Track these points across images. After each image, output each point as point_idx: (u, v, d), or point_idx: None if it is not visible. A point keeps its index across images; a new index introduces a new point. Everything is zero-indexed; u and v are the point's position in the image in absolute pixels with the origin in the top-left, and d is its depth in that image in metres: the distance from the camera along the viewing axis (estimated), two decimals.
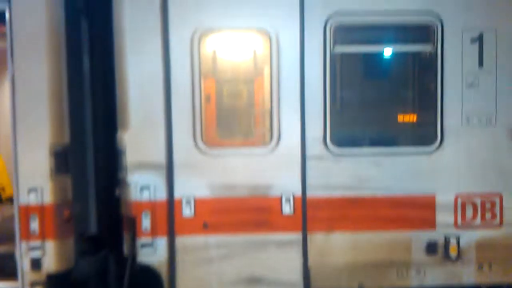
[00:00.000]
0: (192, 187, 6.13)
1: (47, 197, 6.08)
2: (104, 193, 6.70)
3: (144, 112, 6.13)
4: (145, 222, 6.11)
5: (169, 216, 6.13)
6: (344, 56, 6.48)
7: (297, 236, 6.21)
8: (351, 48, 6.43)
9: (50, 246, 6.11)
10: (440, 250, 6.32)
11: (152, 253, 6.15)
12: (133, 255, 6.19)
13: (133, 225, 6.14)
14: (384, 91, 7.01)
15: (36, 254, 6.10)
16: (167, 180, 6.12)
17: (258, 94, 6.51)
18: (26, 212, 6.05)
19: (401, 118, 6.93)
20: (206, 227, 6.17)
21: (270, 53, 6.19)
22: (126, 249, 6.29)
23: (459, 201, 6.32)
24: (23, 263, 6.11)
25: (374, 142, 6.56)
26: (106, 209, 6.64)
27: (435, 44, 6.27)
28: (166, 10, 6.07)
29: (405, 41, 6.57)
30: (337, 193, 6.23)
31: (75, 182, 6.42)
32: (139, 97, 6.13)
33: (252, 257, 6.19)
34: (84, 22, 6.88)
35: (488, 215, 6.34)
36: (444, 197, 6.30)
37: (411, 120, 6.92)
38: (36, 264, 6.11)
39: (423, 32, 6.37)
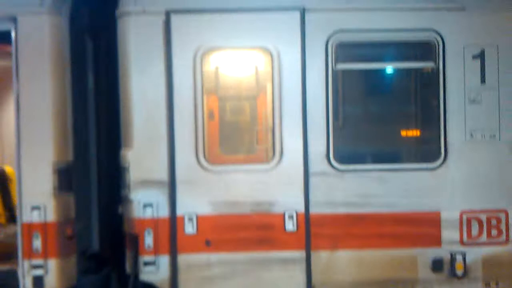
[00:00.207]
0: (194, 204, 6.12)
1: (50, 215, 6.08)
2: (106, 210, 6.71)
3: (148, 130, 6.16)
4: (148, 240, 6.09)
5: (171, 233, 6.10)
6: (346, 73, 6.51)
7: (300, 253, 6.16)
8: (353, 65, 6.46)
9: (53, 264, 6.09)
10: (446, 267, 6.24)
11: (154, 271, 6.11)
12: (136, 273, 6.15)
13: (135, 242, 6.12)
14: (387, 107, 7.01)
15: (38, 272, 6.07)
16: (169, 198, 6.11)
17: (260, 111, 6.53)
18: (29, 230, 6.04)
19: (404, 134, 6.92)
20: (208, 245, 6.13)
21: (272, 71, 6.24)
22: (128, 267, 6.26)
23: (464, 217, 6.26)
24: (25, 281, 6.09)
25: (378, 159, 6.54)
26: (109, 226, 6.62)
27: (437, 60, 6.30)
28: (169, 29, 6.15)
29: (407, 58, 6.61)
30: (341, 210, 6.20)
31: (78, 200, 6.44)
32: (142, 115, 6.17)
33: (255, 275, 6.13)
34: (89, 42, 6.98)
35: (494, 232, 6.27)
36: (449, 214, 6.24)
37: (414, 136, 6.91)
38: (38, 282, 6.08)
39: (424, 49, 6.41)
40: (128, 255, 6.27)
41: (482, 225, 6.26)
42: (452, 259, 6.23)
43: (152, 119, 6.16)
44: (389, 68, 6.68)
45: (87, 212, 6.76)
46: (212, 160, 6.23)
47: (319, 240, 6.16)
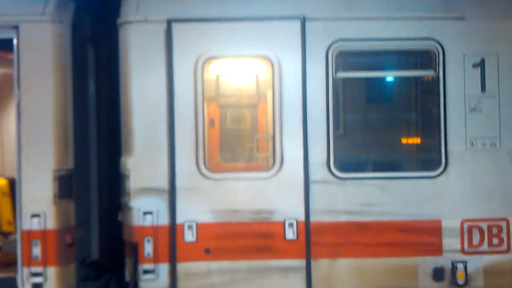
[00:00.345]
0: (194, 212, 6.11)
1: (50, 222, 6.07)
2: (106, 218, 6.70)
3: (148, 137, 6.17)
4: (148, 248, 6.07)
5: (171, 241, 6.09)
6: (346, 81, 6.53)
7: (300, 262, 6.13)
8: (353, 74, 6.47)
9: (52, 272, 6.07)
10: (447, 276, 6.20)
11: (154, 279, 6.08)
12: (135, 281, 6.12)
13: (135, 250, 6.10)
14: (387, 116, 7.03)
15: (37, 280, 6.05)
16: (169, 205, 6.10)
17: (261, 119, 6.54)
18: (29, 237, 6.03)
19: (405, 143, 6.91)
20: (208, 253, 6.11)
21: (273, 79, 6.25)
22: (128, 275, 6.24)
23: (465, 226, 6.24)
24: None
25: (378, 167, 6.53)
26: (109, 234, 6.61)
27: (437, 69, 6.31)
28: (171, 38, 6.17)
29: (407, 66, 6.62)
30: (341, 218, 6.18)
31: (78, 207, 6.42)
32: (143, 123, 6.18)
33: (255, 284, 6.10)
34: (90, 50, 7.02)
35: (495, 241, 6.24)
36: (450, 222, 6.22)
37: (415, 144, 6.91)
38: None
39: (424, 58, 6.42)
40: (128, 263, 6.25)
41: (483, 234, 6.23)
42: (453, 267, 6.20)
43: (152, 127, 6.17)
44: (390, 77, 6.69)
45: (87, 219, 6.74)
46: (213, 167, 6.23)
47: (320, 248, 6.14)
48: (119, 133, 6.36)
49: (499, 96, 6.32)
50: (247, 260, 6.09)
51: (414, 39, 6.31)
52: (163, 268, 6.09)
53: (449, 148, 6.27)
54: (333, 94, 6.28)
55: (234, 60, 6.42)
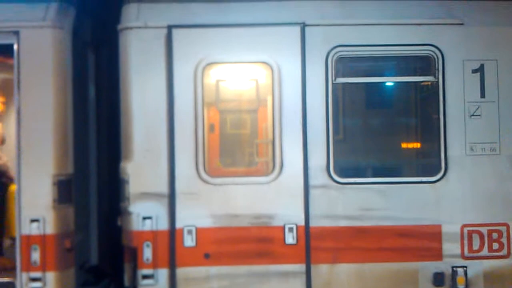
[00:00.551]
0: (194, 216, 6.10)
1: (49, 227, 6.06)
2: (106, 223, 6.68)
3: (148, 142, 6.17)
4: (147, 253, 6.05)
5: (170, 246, 6.07)
6: (346, 86, 6.54)
7: (300, 267, 6.11)
8: (352, 79, 6.49)
9: (51, 277, 6.05)
10: (448, 281, 6.18)
11: (153, 284, 6.06)
12: (134, 286, 6.10)
13: (134, 255, 6.08)
14: (387, 121, 7.03)
15: (36, 285, 6.03)
16: (169, 210, 6.09)
17: (261, 124, 6.55)
18: (28, 242, 6.01)
19: (404, 148, 6.92)
20: (207, 258, 6.09)
21: (273, 84, 6.27)
22: (127, 280, 6.22)
23: (465, 231, 6.23)
24: None
25: (378, 172, 6.53)
26: (108, 239, 6.59)
27: (437, 75, 6.32)
28: (171, 44, 6.19)
29: (407, 72, 6.64)
30: (341, 223, 6.16)
31: (77, 212, 6.41)
32: (143, 128, 6.19)
33: None
34: (91, 55, 7.04)
35: (495, 246, 6.23)
36: (450, 227, 6.21)
37: (415, 150, 6.91)
38: None
39: (424, 64, 6.44)
40: (127, 268, 6.23)
41: (483, 239, 6.22)
42: (454, 272, 6.18)
43: (152, 132, 6.18)
44: (389, 82, 6.71)
45: (86, 224, 6.73)
46: (212, 172, 6.22)
47: (319, 253, 6.13)
48: (119, 138, 6.36)
49: (498, 101, 6.33)
50: (246, 265, 6.08)
51: (414, 45, 6.34)
52: (162, 273, 6.07)
53: (449, 153, 6.27)
54: (333, 100, 6.29)
55: (234, 66, 6.43)
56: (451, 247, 6.19)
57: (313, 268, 6.12)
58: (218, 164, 6.58)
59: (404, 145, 6.95)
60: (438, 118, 6.31)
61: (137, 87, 6.21)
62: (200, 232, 6.09)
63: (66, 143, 6.33)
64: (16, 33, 6.18)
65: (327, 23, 6.31)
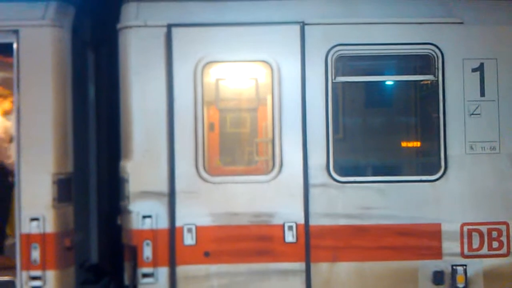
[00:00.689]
0: (193, 215, 6.10)
1: (49, 226, 6.06)
2: (106, 221, 6.68)
3: (148, 141, 6.17)
4: (147, 251, 6.06)
5: (170, 245, 6.08)
6: (345, 85, 6.54)
7: (300, 265, 6.12)
8: (352, 78, 6.49)
9: (51, 275, 6.05)
10: (447, 279, 6.19)
11: (153, 282, 6.07)
12: (134, 284, 6.11)
13: (134, 254, 6.09)
14: (387, 120, 7.03)
15: (36, 283, 6.03)
16: (169, 209, 6.09)
17: (260, 123, 6.56)
18: (28, 241, 6.02)
19: (404, 146, 6.92)
20: (207, 256, 6.09)
21: (272, 83, 6.27)
22: (126, 278, 6.22)
23: (465, 229, 6.23)
24: None
25: (378, 171, 6.53)
26: (108, 238, 6.59)
27: (436, 74, 6.33)
28: (170, 43, 6.19)
29: (406, 71, 6.64)
30: (341, 222, 6.17)
31: (77, 211, 6.41)
32: (143, 127, 6.19)
33: (255, 287, 6.09)
34: (90, 54, 7.04)
35: (495, 244, 6.23)
36: (450, 226, 6.21)
37: (414, 148, 6.91)
38: None
39: (424, 62, 6.44)
40: (127, 266, 6.23)
41: (483, 237, 6.22)
42: (453, 271, 6.18)
43: (152, 131, 6.18)
44: (389, 81, 6.71)
45: (86, 223, 6.74)
46: (212, 171, 6.23)
47: (319, 251, 6.13)
48: (119, 137, 6.36)
49: (498, 100, 6.33)
50: (246, 263, 6.08)
51: (413, 44, 6.34)
52: (162, 272, 6.07)
53: (449, 152, 6.27)
54: (333, 98, 6.29)
55: (234, 65, 6.43)
56: (451, 246, 6.19)
57: (313, 266, 6.13)
58: (218, 162, 6.59)
59: (404, 144, 6.95)
60: (438, 117, 6.31)
61: (137, 86, 6.21)
62: (200, 231, 6.09)
63: (66, 142, 6.33)
64: (16, 32, 6.18)
65: (327, 22, 6.31)
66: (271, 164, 6.23)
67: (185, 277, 6.08)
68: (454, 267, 6.19)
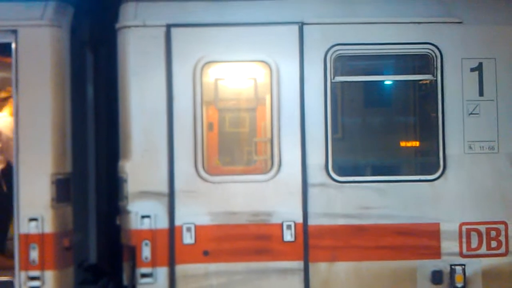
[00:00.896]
0: (192, 214, 6.10)
1: (48, 226, 6.05)
2: (104, 222, 6.68)
3: (147, 141, 6.17)
4: (145, 251, 6.05)
5: (169, 244, 6.07)
6: (344, 85, 6.55)
7: (298, 264, 6.12)
8: (351, 78, 6.50)
9: (50, 275, 6.04)
10: (446, 279, 6.19)
11: (152, 283, 6.06)
12: (133, 285, 6.11)
13: (133, 254, 6.08)
14: (385, 119, 7.04)
15: (35, 284, 6.03)
16: (168, 209, 6.09)
17: (259, 123, 6.56)
18: (26, 241, 6.01)
19: (403, 146, 6.92)
20: (206, 255, 6.10)
21: (271, 83, 6.27)
22: (125, 278, 6.22)
23: (464, 229, 6.24)
24: None
25: (376, 170, 6.54)
26: (107, 238, 6.59)
27: (435, 73, 6.33)
28: (170, 43, 6.19)
29: (405, 71, 6.65)
30: (339, 222, 6.17)
31: (76, 211, 6.41)
32: (141, 127, 6.19)
33: (253, 285, 6.09)
34: (89, 54, 7.04)
35: (493, 244, 6.24)
36: (448, 225, 6.21)
37: (413, 148, 6.92)
38: None
39: (422, 62, 6.45)
40: (126, 266, 6.23)
41: (482, 237, 6.23)
42: (452, 271, 6.19)
43: (151, 131, 6.17)
44: (388, 81, 6.71)
45: (85, 223, 6.73)
46: (211, 171, 6.23)
47: (318, 251, 6.13)
48: (118, 137, 6.36)
49: (497, 100, 6.34)
50: (245, 262, 6.09)
51: (412, 43, 6.34)
52: (161, 272, 6.07)
53: (447, 151, 6.28)
54: (331, 98, 6.30)
55: (233, 65, 6.44)
56: (449, 245, 6.20)
57: (311, 265, 6.13)
58: (217, 162, 6.60)
59: (402, 144, 6.96)
60: (437, 117, 6.31)
61: (136, 86, 6.21)
62: (199, 230, 6.09)
63: (64, 142, 6.32)
64: (14, 31, 6.17)
65: (325, 21, 6.31)
66: (270, 163, 6.24)
67: (184, 276, 6.08)
68: (453, 267, 6.19)
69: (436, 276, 6.18)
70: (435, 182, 6.26)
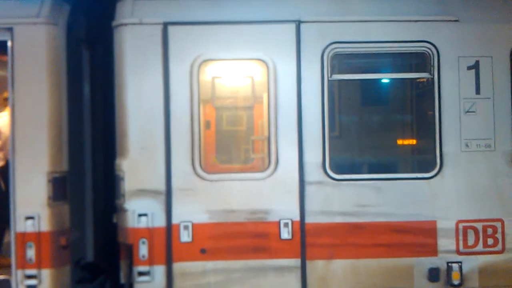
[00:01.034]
0: (190, 212, 6.10)
1: (44, 224, 6.04)
2: (101, 220, 6.66)
3: (143, 139, 6.16)
4: (143, 250, 6.05)
5: (167, 243, 6.07)
6: (341, 83, 6.55)
7: (295, 262, 6.13)
8: (348, 76, 6.50)
9: (46, 274, 6.03)
10: (443, 276, 6.21)
11: (149, 281, 6.06)
12: (130, 283, 6.10)
13: (130, 252, 6.08)
14: (382, 118, 7.05)
15: (32, 282, 6.01)
16: (165, 207, 6.09)
17: (256, 121, 6.56)
18: (23, 239, 5.99)
19: (400, 144, 6.93)
20: (204, 253, 6.09)
21: (268, 81, 6.27)
22: (123, 276, 6.21)
23: (460, 226, 6.26)
24: None
25: (374, 168, 6.54)
26: (104, 236, 6.58)
27: (432, 71, 6.34)
28: (166, 41, 6.18)
29: (402, 69, 6.66)
30: (337, 219, 6.18)
31: (72, 209, 6.39)
32: (138, 124, 6.18)
33: (250, 283, 6.10)
34: (85, 52, 7.02)
35: (490, 241, 6.26)
36: (445, 223, 6.23)
37: (410, 146, 6.93)
38: None
39: (419, 60, 6.46)
40: (123, 265, 6.22)
41: (478, 234, 6.25)
42: (449, 268, 6.20)
43: (148, 129, 6.16)
44: (385, 79, 6.72)
45: (81, 221, 6.71)
46: (208, 169, 6.23)
47: (315, 249, 6.14)
48: (114, 135, 6.34)
49: (493, 98, 6.35)
50: (242, 259, 6.09)
51: (409, 41, 6.35)
52: (158, 270, 6.07)
53: (444, 149, 6.29)
54: (328, 96, 6.30)
55: (230, 63, 6.43)
56: (446, 243, 6.22)
57: (309, 263, 6.14)
58: (214, 160, 6.59)
59: (399, 142, 6.97)
60: (434, 115, 6.32)
61: (132, 84, 6.20)
62: (196, 228, 6.09)
63: (61, 140, 6.30)
64: (10, 29, 6.14)
65: (323, 19, 6.31)
66: (267, 161, 6.24)
67: (181, 273, 6.07)
68: (450, 264, 6.21)
69: (433, 274, 6.20)
70: (432, 180, 6.27)
